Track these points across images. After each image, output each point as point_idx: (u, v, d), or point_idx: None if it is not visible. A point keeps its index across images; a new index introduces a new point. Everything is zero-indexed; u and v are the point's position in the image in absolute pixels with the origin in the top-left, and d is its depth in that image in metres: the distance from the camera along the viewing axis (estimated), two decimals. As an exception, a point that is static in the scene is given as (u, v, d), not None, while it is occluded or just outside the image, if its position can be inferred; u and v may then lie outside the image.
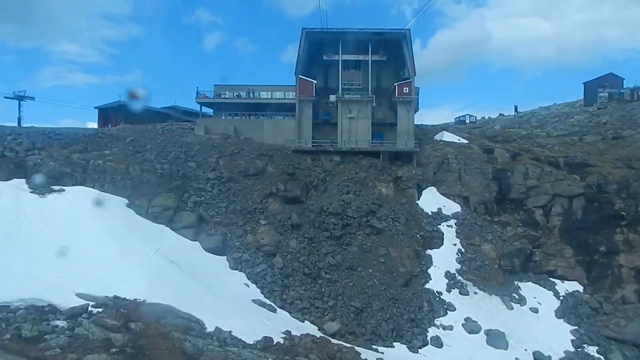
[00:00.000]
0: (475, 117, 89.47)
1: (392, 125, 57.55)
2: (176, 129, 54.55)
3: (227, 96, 59.66)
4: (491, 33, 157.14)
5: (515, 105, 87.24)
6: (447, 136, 60.96)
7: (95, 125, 71.06)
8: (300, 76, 55.20)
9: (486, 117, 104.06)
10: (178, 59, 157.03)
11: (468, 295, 39.36)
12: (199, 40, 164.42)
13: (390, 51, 57.94)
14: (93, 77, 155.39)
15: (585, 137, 60.61)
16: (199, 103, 58.16)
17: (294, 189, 44.58)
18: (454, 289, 39.56)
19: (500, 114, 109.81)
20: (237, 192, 42.63)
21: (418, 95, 57.33)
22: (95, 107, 74.07)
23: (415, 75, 55.26)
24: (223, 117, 59.99)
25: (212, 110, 62.59)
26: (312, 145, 52.76)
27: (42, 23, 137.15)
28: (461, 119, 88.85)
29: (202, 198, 40.64)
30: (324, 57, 57.58)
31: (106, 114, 73.12)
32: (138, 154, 43.28)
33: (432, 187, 50.37)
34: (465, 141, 59.53)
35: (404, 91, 55.04)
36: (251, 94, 58.09)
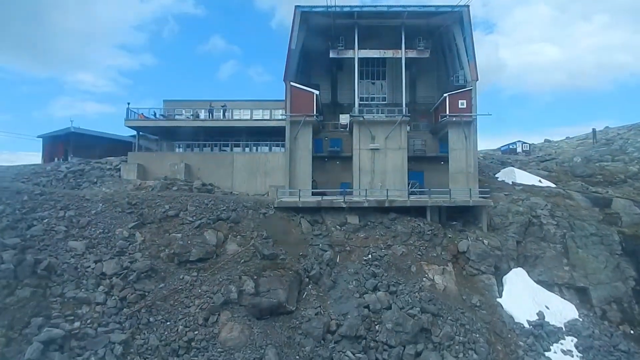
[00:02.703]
0: (529, 145, 68.04)
1: (437, 161, 36.94)
2: (92, 169, 33.76)
3: (183, 116, 39.04)
4: (505, 59, 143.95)
5: (593, 129, 65.52)
6: (520, 175, 39.66)
7: (39, 158, 51.84)
8: (292, 84, 34.55)
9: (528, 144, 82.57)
10: (192, 88, 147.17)
11: None
12: (214, 69, 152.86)
13: (435, 44, 37.33)
14: (106, 106, 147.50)
15: None
16: (130, 127, 37.50)
17: (274, 289, 23.24)
18: None
19: (546, 140, 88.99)
20: (158, 306, 21.40)
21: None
22: (38, 137, 54.37)
23: (477, 79, 34.36)
24: (178, 150, 39.44)
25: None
26: (312, 196, 31.70)
27: (58, 53, 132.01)
28: (511, 147, 67.52)
29: (76, 324, 19.37)
30: (331, 54, 36.96)
31: (52, 144, 53.29)
32: (-29, 226, 22.28)
33: (520, 270, 28.90)
34: (551, 184, 38.25)
35: (460, 106, 34.12)
36: (215, 114, 37.29)
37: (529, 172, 41.87)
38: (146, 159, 35.64)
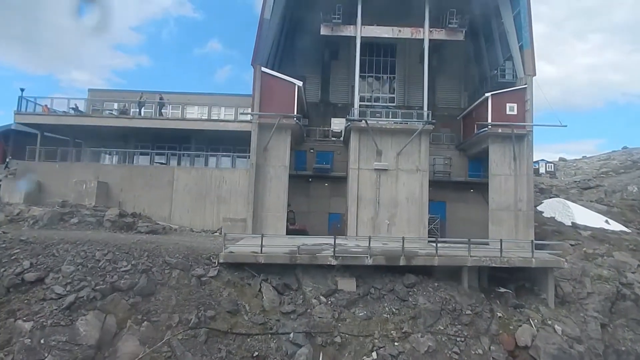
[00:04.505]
0: (553, 165, 57.65)
1: (464, 188, 26.18)
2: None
3: (114, 111, 27.87)
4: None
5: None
6: (579, 212, 28.81)
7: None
8: (264, 69, 23.51)
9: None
10: (187, 90, 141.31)
11: None
12: (210, 73, 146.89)
13: (472, 24, 26.67)
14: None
15: None
16: (23, 124, 26.28)
17: None
18: None
19: (561, 158, 79.26)
20: None
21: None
22: (-28, 135, 42.80)
23: (535, 74, 23.58)
24: (111, 160, 28.24)
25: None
26: (288, 239, 20.57)
27: (54, 51, 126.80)
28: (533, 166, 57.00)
29: None
30: (323, 31, 26.01)
31: (-9, 143, 41.57)
32: None
33: (613, 377, 17.95)
34: (622, 227, 27.54)
35: (509, 111, 23.26)
36: (143, 109, 26.15)
37: (582, 205, 31.23)
38: (45, 173, 24.33)
